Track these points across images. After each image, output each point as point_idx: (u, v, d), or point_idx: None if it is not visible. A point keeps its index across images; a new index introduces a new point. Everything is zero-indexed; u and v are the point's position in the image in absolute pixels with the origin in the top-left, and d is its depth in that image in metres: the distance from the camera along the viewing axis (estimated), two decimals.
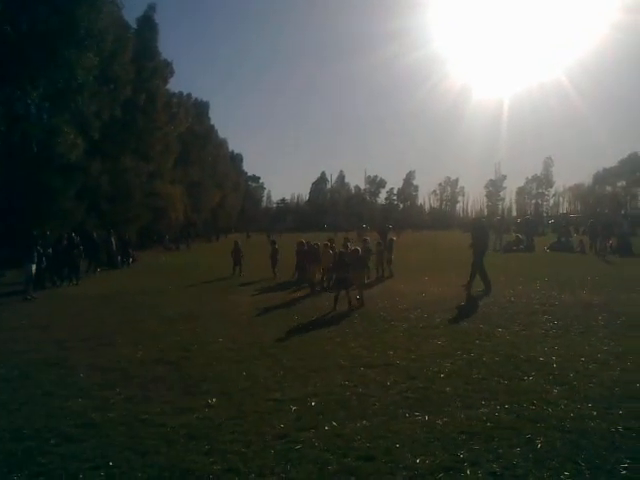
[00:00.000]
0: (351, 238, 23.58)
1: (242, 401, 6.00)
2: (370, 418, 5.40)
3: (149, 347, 8.79)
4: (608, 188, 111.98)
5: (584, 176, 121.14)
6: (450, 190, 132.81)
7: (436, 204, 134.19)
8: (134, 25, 36.21)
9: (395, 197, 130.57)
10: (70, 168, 26.79)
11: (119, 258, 26.23)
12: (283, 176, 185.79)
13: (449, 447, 4.70)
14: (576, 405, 5.65)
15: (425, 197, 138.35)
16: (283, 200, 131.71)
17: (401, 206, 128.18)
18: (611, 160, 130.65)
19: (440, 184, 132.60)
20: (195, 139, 53.93)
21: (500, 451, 4.60)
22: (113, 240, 25.98)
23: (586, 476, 4.13)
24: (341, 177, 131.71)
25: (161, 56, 39.71)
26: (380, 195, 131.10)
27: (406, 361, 7.54)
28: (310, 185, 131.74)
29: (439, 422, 5.25)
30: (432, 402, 5.83)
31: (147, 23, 38.02)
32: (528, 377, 6.71)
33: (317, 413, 5.57)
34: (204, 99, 63.17)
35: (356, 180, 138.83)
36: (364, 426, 5.20)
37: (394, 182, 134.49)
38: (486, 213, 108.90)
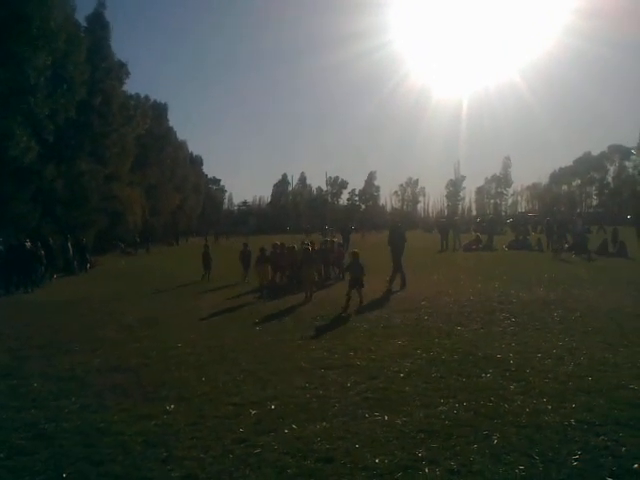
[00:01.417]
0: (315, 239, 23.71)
1: (201, 406, 5.93)
2: (330, 420, 5.40)
3: (107, 354, 8.60)
4: (564, 187, 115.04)
5: (541, 176, 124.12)
6: (411, 191, 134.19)
7: (398, 204, 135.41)
8: (84, 24, 35.31)
9: (357, 198, 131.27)
10: (23, 172, 26.08)
11: (76, 264, 25.64)
12: (244, 178, 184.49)
13: (408, 446, 4.73)
14: (532, 400, 5.77)
15: (387, 198, 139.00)
16: (245, 202, 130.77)
17: (363, 207, 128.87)
18: (567, 160, 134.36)
19: (401, 185, 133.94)
20: (153, 141, 53.22)
21: (458, 448, 4.66)
22: (70, 245, 25.39)
23: (539, 469, 4.22)
24: (302, 179, 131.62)
25: (115, 56, 38.87)
26: (342, 196, 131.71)
27: (366, 361, 7.57)
28: (272, 187, 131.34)
29: (398, 421, 5.29)
30: (392, 402, 5.87)
31: (98, 21, 36.91)
32: (486, 374, 6.82)
33: (277, 416, 5.54)
34: (163, 101, 62.34)
35: (318, 181, 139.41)
36: (324, 428, 5.19)
37: (356, 183, 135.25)
38: (446, 213, 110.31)
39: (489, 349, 8.04)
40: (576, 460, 4.35)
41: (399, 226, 18.64)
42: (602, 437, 4.76)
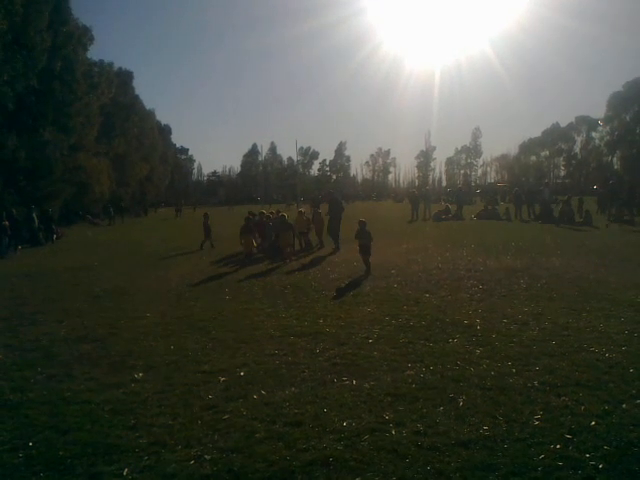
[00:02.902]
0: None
1: (169, 374, 5.90)
2: (299, 385, 5.44)
3: (74, 324, 8.48)
4: (532, 158, 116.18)
5: (510, 146, 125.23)
6: (382, 161, 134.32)
7: (369, 175, 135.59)
8: None
9: (328, 168, 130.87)
10: None
11: (42, 235, 25.10)
12: (214, 148, 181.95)
13: (375, 409, 4.80)
14: (497, 364, 5.89)
15: (358, 168, 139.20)
16: (214, 173, 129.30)
17: (334, 177, 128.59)
18: (535, 130, 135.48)
19: (372, 155, 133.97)
20: (119, 110, 51.91)
21: (424, 411, 4.74)
22: (35, 216, 24.83)
23: (503, 429, 4.32)
24: (273, 148, 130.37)
25: (77, 21, 37.32)
26: (313, 167, 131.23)
27: (336, 328, 7.63)
28: (241, 157, 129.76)
29: (366, 386, 5.36)
30: (360, 367, 5.94)
31: None
32: (453, 339, 6.93)
33: (246, 383, 5.56)
34: (130, 69, 60.75)
35: (288, 151, 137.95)
36: (293, 393, 5.23)
37: (327, 153, 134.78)
38: (417, 183, 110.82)
39: (456, 315, 8.16)
40: (538, 420, 4.47)
41: (335, 196, 20.06)
42: (563, 398, 4.90)
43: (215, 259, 16.27)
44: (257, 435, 4.37)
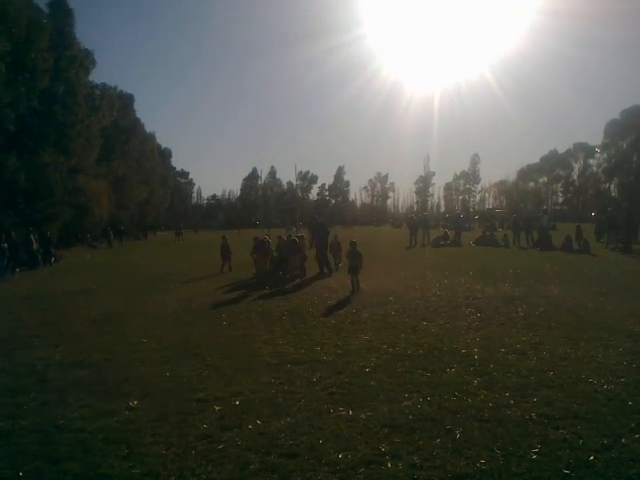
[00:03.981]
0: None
1: (164, 402, 5.85)
2: (295, 415, 5.39)
3: (70, 349, 8.44)
4: (531, 184, 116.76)
5: (509, 172, 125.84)
6: (380, 186, 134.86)
7: (367, 200, 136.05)
8: (46, 10, 33.98)
9: (327, 193, 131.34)
10: None
11: (40, 257, 25.06)
12: (214, 172, 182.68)
13: (372, 441, 4.75)
14: (494, 395, 5.84)
15: (357, 193, 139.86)
16: (214, 196, 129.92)
17: (333, 202, 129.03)
18: (534, 157, 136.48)
19: (370, 180, 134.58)
20: (119, 133, 52.36)
21: (421, 443, 4.69)
22: (33, 238, 24.81)
23: (500, 462, 4.27)
24: (272, 173, 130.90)
25: (80, 45, 37.73)
26: (312, 191, 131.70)
27: (333, 356, 7.58)
28: (241, 181, 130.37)
29: (363, 416, 5.30)
30: (357, 397, 5.88)
31: (60, 7, 35.44)
32: (450, 369, 6.88)
33: (241, 412, 5.51)
34: (130, 92, 61.54)
35: (287, 175, 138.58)
36: (288, 423, 5.18)
37: (326, 178, 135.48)
38: (416, 209, 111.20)
39: (454, 344, 8.12)
40: (535, 453, 4.42)
41: (321, 221, 20.94)
42: (561, 430, 4.85)
43: (217, 285, 16.20)
44: (251, 466, 4.32)
